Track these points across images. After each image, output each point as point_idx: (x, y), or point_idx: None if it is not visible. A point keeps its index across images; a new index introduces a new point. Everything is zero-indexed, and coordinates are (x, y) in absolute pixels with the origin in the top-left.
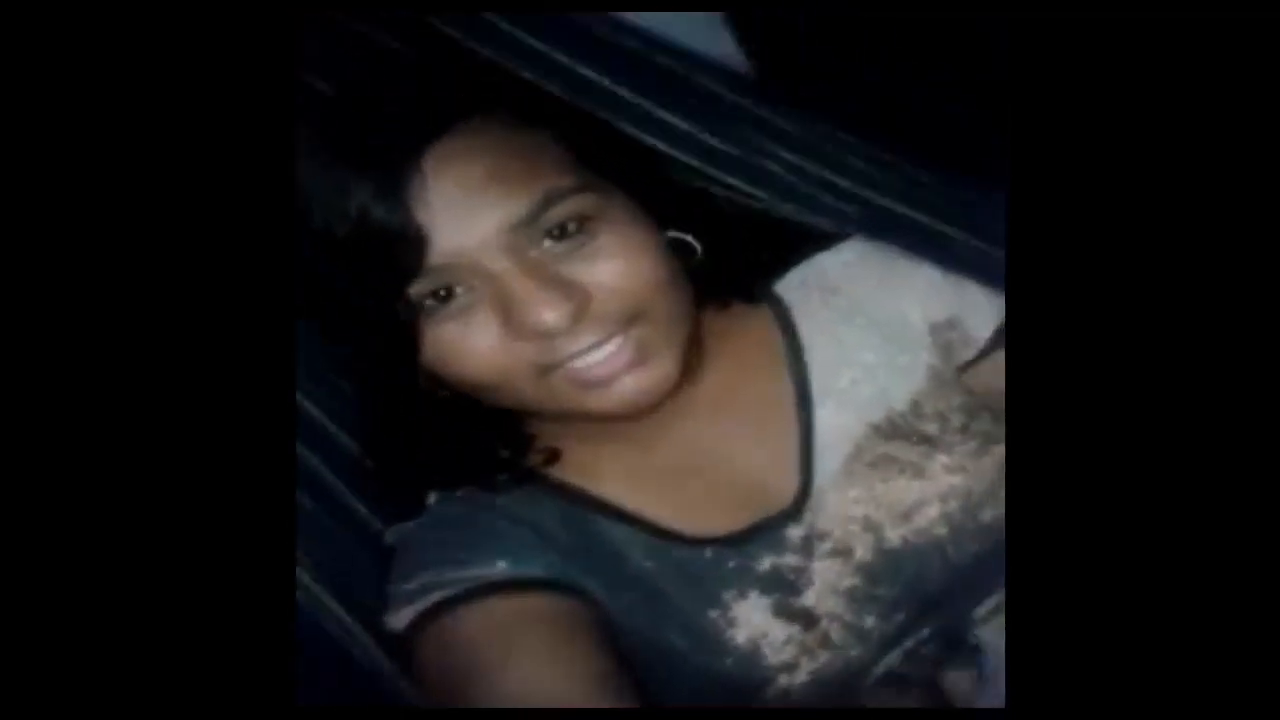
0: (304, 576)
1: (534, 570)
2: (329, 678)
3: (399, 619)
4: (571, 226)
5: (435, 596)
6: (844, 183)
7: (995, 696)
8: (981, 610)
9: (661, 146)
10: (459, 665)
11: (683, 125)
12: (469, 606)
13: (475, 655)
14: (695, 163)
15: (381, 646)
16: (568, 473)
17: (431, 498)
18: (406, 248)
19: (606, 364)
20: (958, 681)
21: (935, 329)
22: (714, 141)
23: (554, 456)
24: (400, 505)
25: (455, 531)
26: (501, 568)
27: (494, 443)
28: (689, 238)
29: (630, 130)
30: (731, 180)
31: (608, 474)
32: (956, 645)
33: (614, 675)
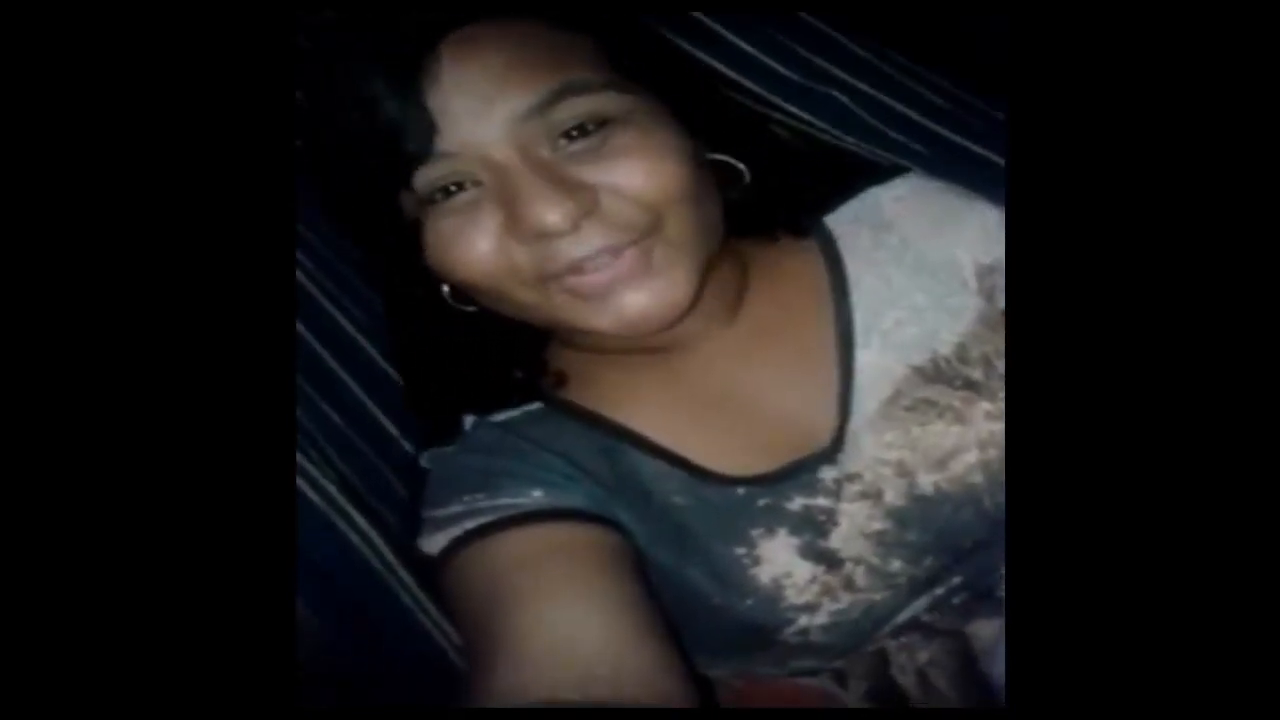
0: (330, 488)
1: (569, 500)
2: (344, 591)
3: (432, 544)
4: (590, 126)
5: (469, 524)
6: (914, 116)
7: None
8: None
9: (721, 68)
10: (491, 592)
11: (743, 45)
12: (503, 534)
13: (508, 583)
14: (755, 87)
15: (402, 560)
16: (604, 405)
17: (468, 423)
18: (415, 136)
19: (606, 272)
20: (980, 629)
21: (982, 272)
22: (775, 65)
23: (561, 380)
24: (435, 427)
25: (491, 459)
26: (537, 496)
27: (508, 362)
28: (738, 163)
29: (689, 48)
30: (791, 108)
31: (644, 407)
32: (985, 597)
33: (646, 606)
